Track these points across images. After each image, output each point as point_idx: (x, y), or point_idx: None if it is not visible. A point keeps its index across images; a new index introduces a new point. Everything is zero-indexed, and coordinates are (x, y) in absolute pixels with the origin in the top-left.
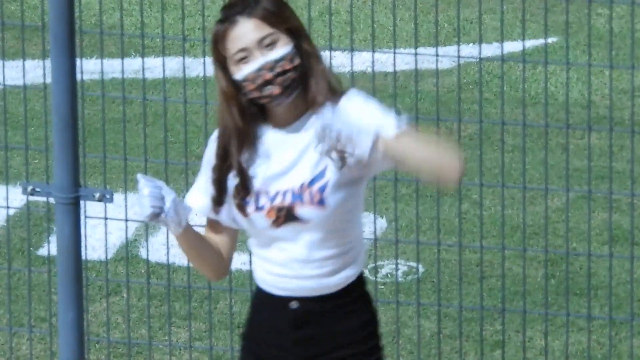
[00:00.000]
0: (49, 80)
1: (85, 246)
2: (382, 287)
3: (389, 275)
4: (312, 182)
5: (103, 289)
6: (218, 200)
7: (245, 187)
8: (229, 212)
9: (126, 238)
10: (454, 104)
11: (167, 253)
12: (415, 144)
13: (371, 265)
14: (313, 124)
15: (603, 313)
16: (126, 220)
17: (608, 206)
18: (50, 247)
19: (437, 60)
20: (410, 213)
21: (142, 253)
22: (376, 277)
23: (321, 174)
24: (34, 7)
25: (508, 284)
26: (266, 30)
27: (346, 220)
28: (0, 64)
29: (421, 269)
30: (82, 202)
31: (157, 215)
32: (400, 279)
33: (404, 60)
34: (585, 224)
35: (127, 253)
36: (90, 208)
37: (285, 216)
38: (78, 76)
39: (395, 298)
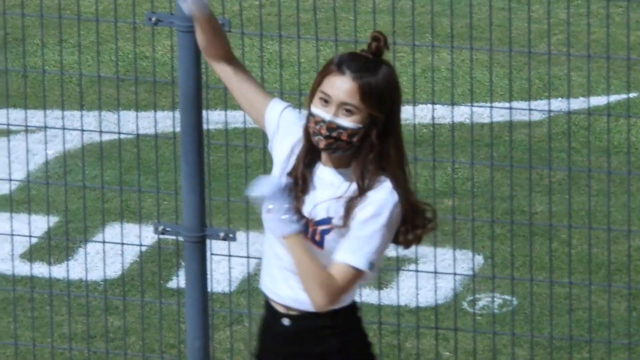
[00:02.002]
0: (178, 129)
1: (211, 280)
2: (480, 318)
3: (486, 308)
4: (318, 223)
5: (227, 319)
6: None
7: (296, 197)
8: (265, 109)
9: (248, 272)
10: (545, 153)
11: None
12: (305, 260)
13: (469, 298)
14: (341, 179)
15: None
16: (248, 257)
17: None
18: (179, 281)
19: (529, 113)
20: (505, 251)
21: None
22: (474, 309)
23: (328, 220)
24: (164, 63)
25: (594, 316)
26: (355, 100)
27: None
28: (134, 115)
29: (515, 302)
30: (207, 241)
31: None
32: (496, 311)
33: (499, 112)
34: None
35: (249, 286)
36: (215, 245)
37: None
38: (204, 126)
39: (492, 328)
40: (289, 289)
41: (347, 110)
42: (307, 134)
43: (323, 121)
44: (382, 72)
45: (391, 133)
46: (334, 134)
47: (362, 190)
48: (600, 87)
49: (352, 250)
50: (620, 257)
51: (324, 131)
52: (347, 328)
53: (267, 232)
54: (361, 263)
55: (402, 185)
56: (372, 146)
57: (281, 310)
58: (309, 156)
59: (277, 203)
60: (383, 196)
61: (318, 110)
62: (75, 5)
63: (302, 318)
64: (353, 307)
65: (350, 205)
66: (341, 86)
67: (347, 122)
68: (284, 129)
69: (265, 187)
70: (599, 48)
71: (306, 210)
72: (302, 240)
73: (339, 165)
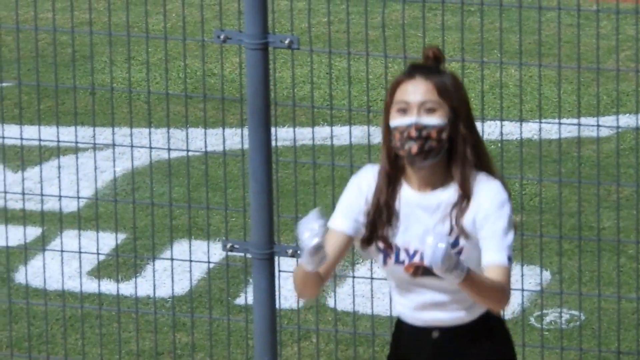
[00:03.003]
0: (246, 146)
1: (279, 296)
2: (547, 333)
3: (553, 323)
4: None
5: (294, 335)
6: (368, 239)
7: (387, 239)
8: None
9: None
10: (613, 169)
11: (353, 302)
12: (482, 285)
13: (537, 313)
14: (447, 196)
15: None
16: None
17: None
18: (247, 297)
19: (597, 129)
20: (573, 266)
21: (330, 302)
22: (542, 325)
23: (455, 242)
24: (232, 81)
25: None
26: (433, 97)
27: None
28: (202, 132)
29: (583, 317)
30: (276, 257)
31: (319, 248)
32: (563, 326)
33: (567, 128)
34: None
35: (317, 302)
36: (283, 262)
37: (424, 272)
38: (272, 143)
39: (560, 344)
40: (436, 313)
41: (429, 109)
42: (389, 156)
43: (408, 126)
44: (447, 73)
45: (474, 126)
46: (424, 133)
47: (466, 192)
48: None
49: (496, 249)
50: None
51: (413, 133)
52: (497, 332)
53: (391, 276)
54: (504, 260)
55: (499, 175)
56: (465, 139)
57: (427, 325)
58: (391, 182)
59: (448, 259)
60: (497, 192)
61: (399, 121)
62: (143, 23)
63: (451, 329)
64: (492, 313)
65: (458, 212)
66: (416, 88)
67: (432, 119)
68: (359, 215)
69: (438, 255)
70: None
71: (421, 238)
72: (472, 275)
73: (436, 183)
